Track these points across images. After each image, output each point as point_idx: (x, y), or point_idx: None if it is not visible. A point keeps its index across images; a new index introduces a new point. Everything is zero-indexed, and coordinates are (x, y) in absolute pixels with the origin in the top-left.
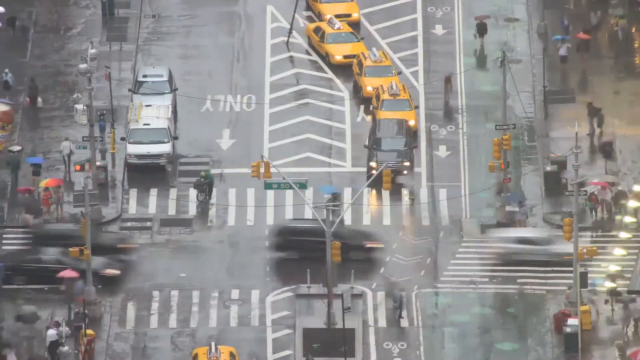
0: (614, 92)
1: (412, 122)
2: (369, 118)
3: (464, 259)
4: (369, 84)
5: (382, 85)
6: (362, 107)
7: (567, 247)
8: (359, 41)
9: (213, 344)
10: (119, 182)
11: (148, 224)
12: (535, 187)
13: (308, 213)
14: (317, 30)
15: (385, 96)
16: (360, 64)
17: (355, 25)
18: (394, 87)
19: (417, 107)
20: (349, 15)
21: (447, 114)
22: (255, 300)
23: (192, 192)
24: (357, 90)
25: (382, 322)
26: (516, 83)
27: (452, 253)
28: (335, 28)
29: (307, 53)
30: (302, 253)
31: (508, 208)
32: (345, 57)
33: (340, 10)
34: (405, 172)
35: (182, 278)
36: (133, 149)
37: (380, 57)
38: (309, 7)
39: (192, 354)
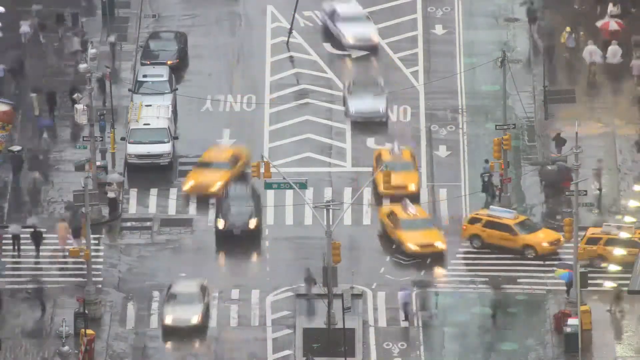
0: (614, 92)
1: (412, 187)
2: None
3: (464, 259)
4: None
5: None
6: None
7: None
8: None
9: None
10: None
11: (148, 224)
12: (535, 187)
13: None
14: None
15: (402, 216)
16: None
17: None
18: (397, 150)
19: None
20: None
21: None
22: (255, 300)
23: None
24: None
25: (382, 322)
26: (516, 83)
27: (452, 253)
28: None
29: (307, 53)
30: None
31: None
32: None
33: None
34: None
35: (182, 278)
36: (133, 149)
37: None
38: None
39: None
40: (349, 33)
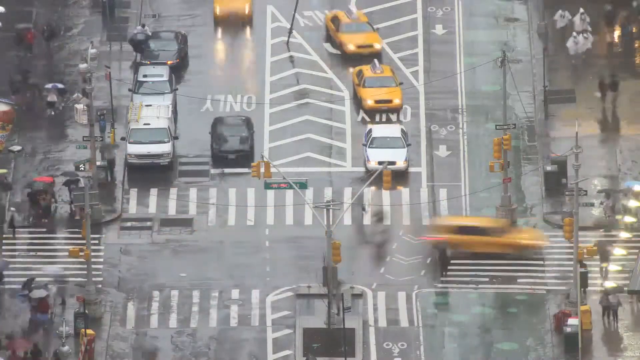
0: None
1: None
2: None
3: (464, 258)
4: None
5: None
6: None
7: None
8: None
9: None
10: (119, 182)
11: (148, 224)
12: (535, 187)
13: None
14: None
15: (367, 74)
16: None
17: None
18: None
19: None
20: (370, 46)
21: None
22: (255, 300)
23: (193, 192)
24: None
25: (382, 322)
26: (516, 83)
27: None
28: (352, 18)
29: (307, 53)
30: None
31: None
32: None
33: (360, 40)
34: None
35: (182, 278)
36: (133, 148)
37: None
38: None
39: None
40: (373, 157)
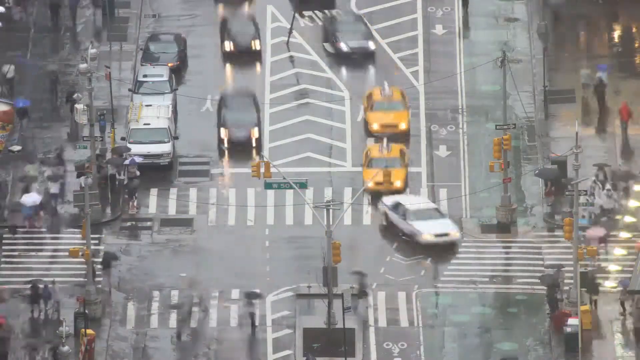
0: (614, 92)
1: (403, 125)
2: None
3: (464, 259)
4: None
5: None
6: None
7: None
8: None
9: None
10: (119, 181)
11: (148, 224)
12: (535, 187)
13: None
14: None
15: (377, 97)
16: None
17: (402, 136)
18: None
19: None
20: (395, 126)
21: None
22: (256, 300)
23: (193, 192)
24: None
25: (382, 322)
26: (516, 83)
27: (452, 253)
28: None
29: (307, 53)
30: None
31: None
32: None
33: (387, 120)
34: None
35: (182, 278)
36: (133, 148)
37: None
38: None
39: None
40: (426, 229)
